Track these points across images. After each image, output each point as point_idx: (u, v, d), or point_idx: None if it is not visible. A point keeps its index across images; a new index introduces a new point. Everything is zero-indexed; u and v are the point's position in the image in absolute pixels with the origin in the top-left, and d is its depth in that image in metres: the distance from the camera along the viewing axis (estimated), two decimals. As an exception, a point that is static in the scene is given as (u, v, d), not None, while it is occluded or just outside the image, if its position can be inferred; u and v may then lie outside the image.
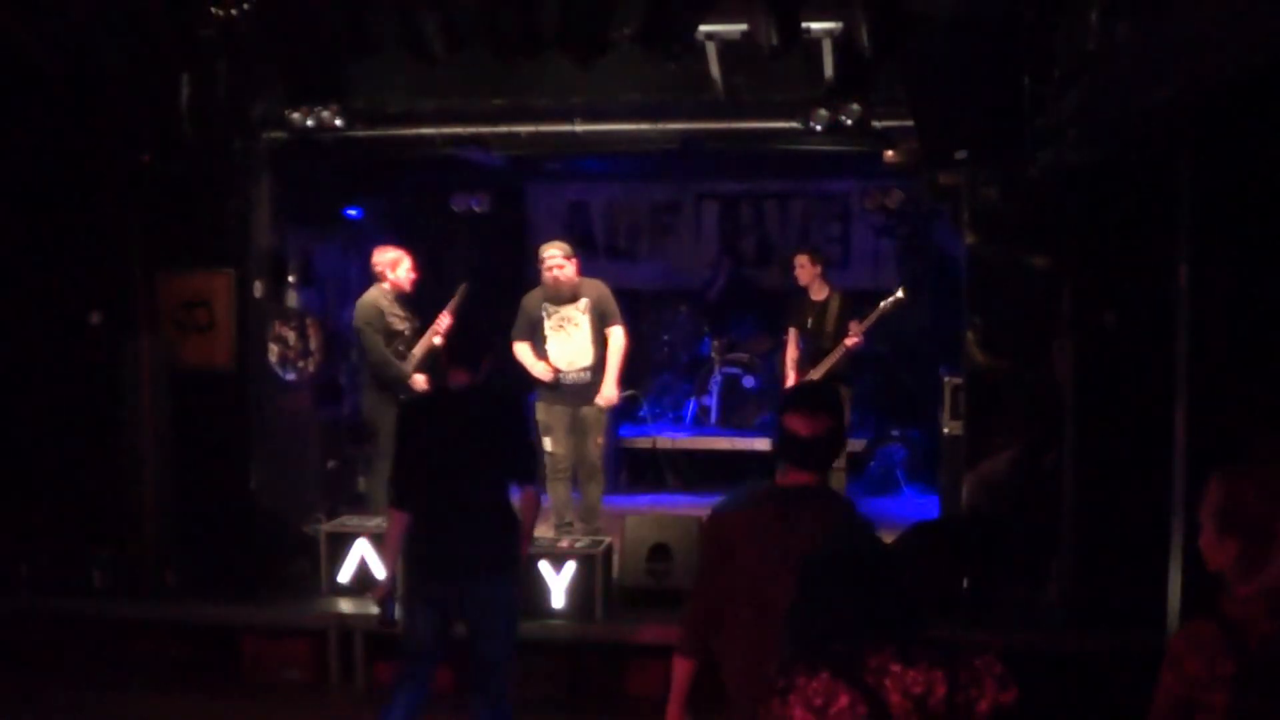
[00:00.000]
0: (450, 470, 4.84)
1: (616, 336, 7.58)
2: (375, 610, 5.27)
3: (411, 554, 4.94)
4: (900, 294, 8.27)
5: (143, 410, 7.25)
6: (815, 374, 8.22)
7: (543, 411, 7.59)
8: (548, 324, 7.53)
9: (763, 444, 9.96)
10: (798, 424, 3.43)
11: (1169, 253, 5.43)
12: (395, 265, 7.65)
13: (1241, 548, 2.61)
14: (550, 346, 7.54)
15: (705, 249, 11.95)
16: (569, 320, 7.54)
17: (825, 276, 8.39)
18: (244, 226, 7.50)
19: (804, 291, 8.41)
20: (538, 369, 7.54)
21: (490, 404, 5.00)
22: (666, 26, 6.09)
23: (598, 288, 7.62)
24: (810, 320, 8.31)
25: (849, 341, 8.10)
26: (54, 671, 6.74)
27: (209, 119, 7.16)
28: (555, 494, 7.63)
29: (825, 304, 8.27)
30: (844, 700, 2.26)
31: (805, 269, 8.36)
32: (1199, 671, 2.52)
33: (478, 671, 4.88)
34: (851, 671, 2.28)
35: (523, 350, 7.57)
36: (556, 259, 7.48)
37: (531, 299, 7.63)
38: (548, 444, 7.57)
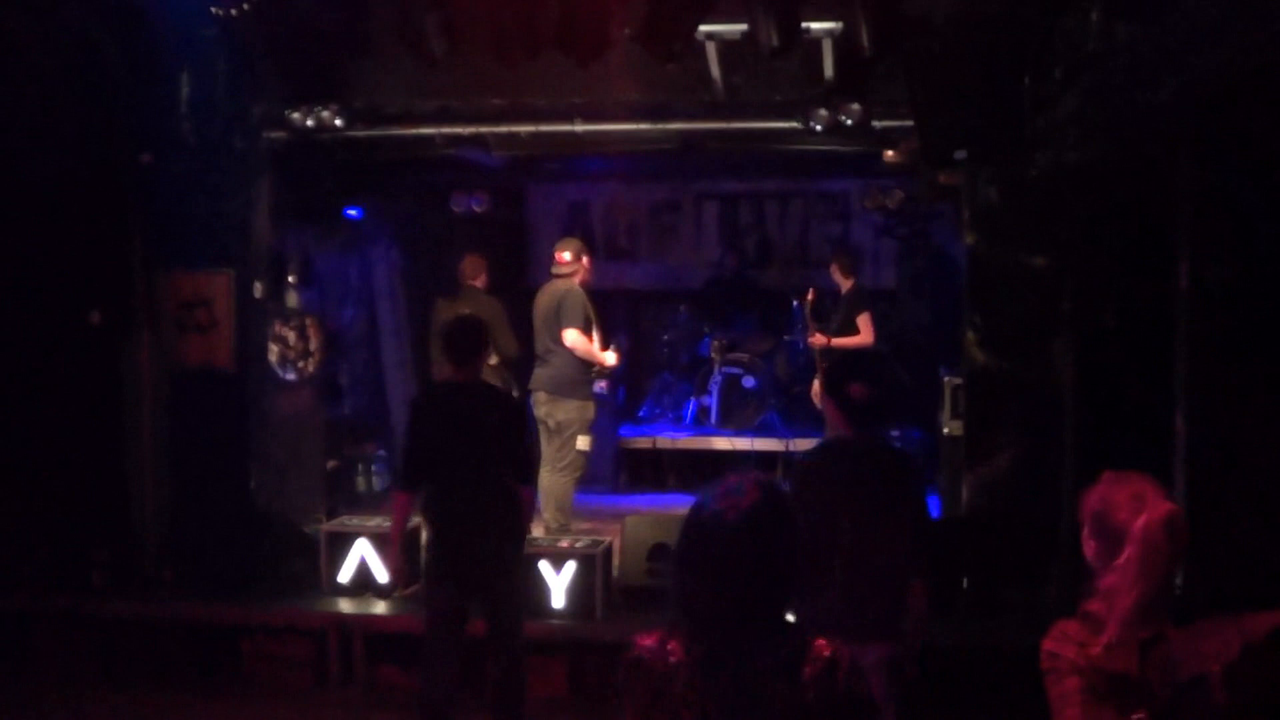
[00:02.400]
0: (455, 456, 5.25)
1: None
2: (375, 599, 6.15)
3: (428, 534, 5.42)
4: (810, 293, 8.90)
5: (143, 410, 7.25)
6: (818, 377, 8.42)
7: (588, 410, 7.58)
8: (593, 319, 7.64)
9: (763, 444, 9.98)
10: (855, 391, 4.22)
11: (1169, 252, 5.43)
12: (489, 269, 8.80)
13: (1098, 550, 2.74)
14: (597, 342, 7.67)
15: (705, 249, 11.96)
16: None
17: (846, 273, 8.78)
18: (244, 226, 7.50)
19: (839, 290, 8.88)
20: (610, 357, 7.66)
21: (493, 399, 5.49)
22: (666, 26, 6.09)
23: None
24: (831, 315, 8.76)
25: (810, 340, 8.69)
26: (54, 671, 6.74)
27: (209, 119, 7.16)
28: (569, 494, 7.59)
29: (842, 299, 8.51)
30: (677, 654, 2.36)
31: (833, 272, 8.94)
32: (1076, 656, 2.67)
33: (496, 636, 5.43)
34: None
35: (584, 339, 7.52)
36: None
37: (584, 294, 7.68)
38: (586, 443, 7.54)
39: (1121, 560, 2.65)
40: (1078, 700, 2.65)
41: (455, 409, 5.32)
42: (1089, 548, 2.78)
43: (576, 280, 7.62)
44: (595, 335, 7.62)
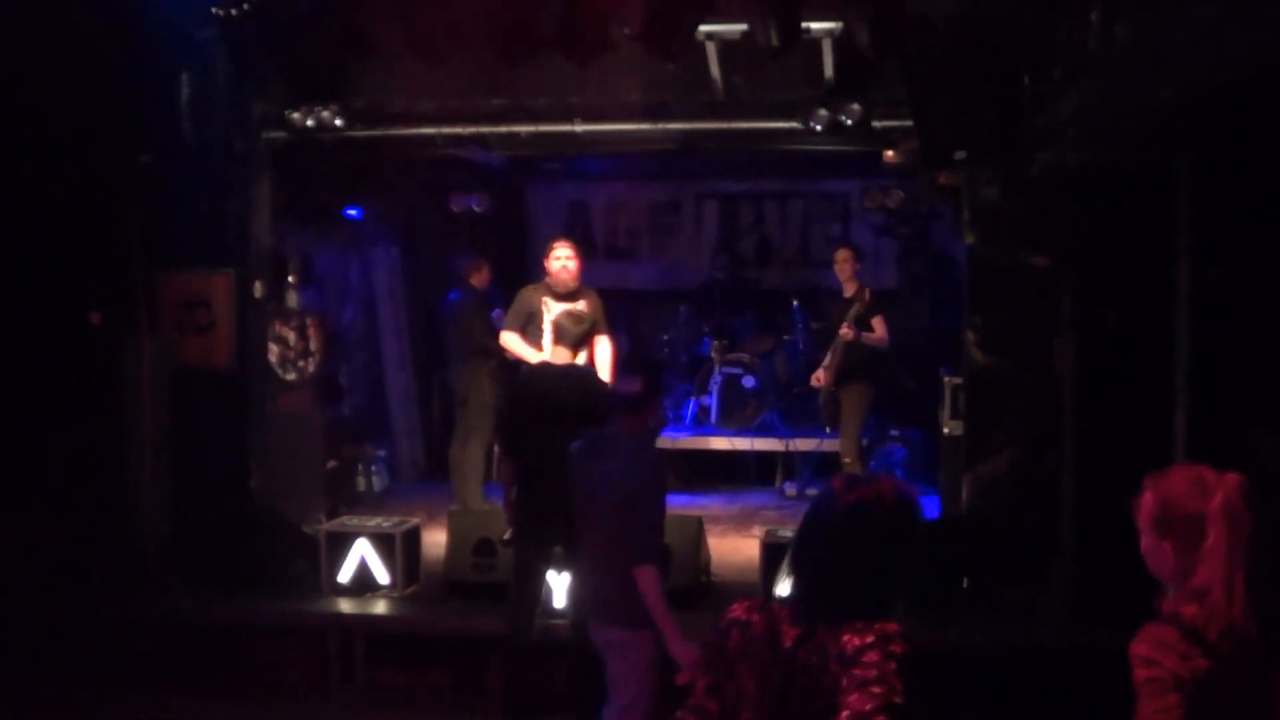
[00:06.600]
0: (543, 426, 5.84)
1: (608, 346, 7.58)
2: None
3: (517, 494, 6.00)
4: (866, 294, 8.56)
5: (143, 410, 7.25)
6: (827, 373, 8.56)
7: None
8: (546, 317, 7.51)
9: (763, 444, 9.98)
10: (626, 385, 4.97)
11: (1169, 253, 5.43)
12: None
13: (1176, 549, 2.64)
14: (546, 340, 7.53)
15: (705, 249, 11.95)
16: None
17: (857, 274, 8.63)
18: (244, 226, 7.50)
19: (841, 291, 8.69)
20: (536, 357, 7.52)
21: (579, 378, 6.11)
22: (666, 26, 6.09)
23: (595, 295, 7.62)
24: (835, 317, 8.58)
25: (841, 332, 8.42)
26: (55, 671, 6.74)
27: (209, 119, 7.16)
28: None
29: (850, 301, 8.46)
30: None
31: (842, 265, 8.64)
32: (1178, 668, 2.52)
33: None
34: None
35: (514, 340, 7.50)
36: (569, 254, 7.49)
37: (532, 292, 7.56)
38: None
39: (1209, 544, 2.55)
40: (1179, 717, 2.50)
41: (549, 387, 6.02)
42: (1161, 553, 2.66)
43: (547, 280, 7.59)
44: (548, 333, 7.51)
